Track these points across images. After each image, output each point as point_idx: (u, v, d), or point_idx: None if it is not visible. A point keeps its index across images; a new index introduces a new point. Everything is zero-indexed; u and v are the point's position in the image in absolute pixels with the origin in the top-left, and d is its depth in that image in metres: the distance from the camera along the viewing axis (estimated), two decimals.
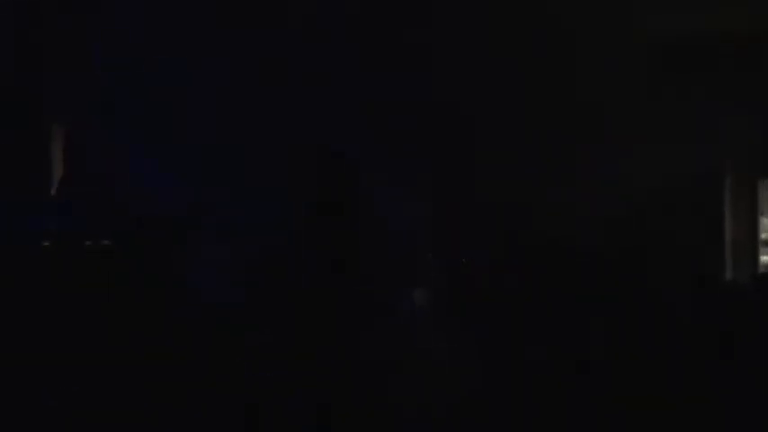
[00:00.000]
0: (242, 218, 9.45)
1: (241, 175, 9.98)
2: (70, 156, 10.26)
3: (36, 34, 9.72)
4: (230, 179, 9.98)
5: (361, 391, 6.25)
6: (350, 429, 5.82)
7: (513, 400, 5.94)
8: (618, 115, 9.70)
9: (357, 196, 7.84)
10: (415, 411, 6.10)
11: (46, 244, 7.91)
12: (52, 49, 9.82)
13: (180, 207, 9.21)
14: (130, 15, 9.78)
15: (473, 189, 9.94)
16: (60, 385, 6.01)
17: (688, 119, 9.61)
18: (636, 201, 9.46)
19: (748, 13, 9.46)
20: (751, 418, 5.35)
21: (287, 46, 9.84)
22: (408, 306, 8.34)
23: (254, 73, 10.00)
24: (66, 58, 9.88)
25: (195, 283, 7.73)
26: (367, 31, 9.71)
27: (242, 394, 6.05)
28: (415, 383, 6.54)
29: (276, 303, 7.28)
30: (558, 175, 9.81)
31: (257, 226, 9.28)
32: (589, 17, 9.50)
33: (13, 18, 9.58)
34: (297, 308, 7.09)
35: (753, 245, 10.24)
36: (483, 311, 7.79)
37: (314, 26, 9.75)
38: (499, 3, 9.50)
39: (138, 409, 5.84)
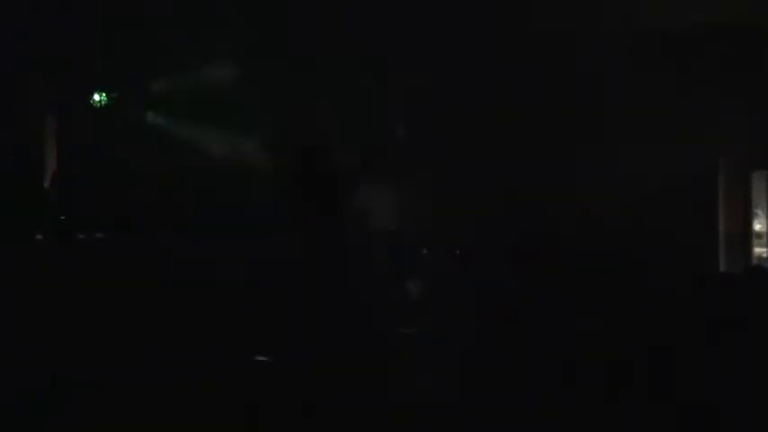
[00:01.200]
0: (233, 213, 9.47)
1: (230, 169, 10.01)
2: (63, 151, 10.27)
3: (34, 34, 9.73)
4: (221, 175, 10.00)
5: (354, 387, 6.25)
6: (344, 428, 5.81)
7: (506, 395, 5.94)
8: (612, 111, 9.71)
9: (339, 189, 7.85)
10: (409, 406, 6.10)
11: (40, 237, 7.92)
12: (49, 49, 9.83)
13: (174, 201, 9.23)
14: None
15: (470, 185, 9.94)
16: (56, 382, 6.00)
17: (682, 113, 9.62)
18: (630, 193, 9.48)
19: (744, 8, 9.47)
20: (748, 414, 5.35)
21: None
22: (402, 299, 8.34)
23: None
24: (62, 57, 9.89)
25: (188, 278, 7.72)
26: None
27: (239, 391, 6.05)
28: (408, 378, 6.54)
29: (267, 299, 7.28)
30: (554, 170, 9.82)
31: (249, 221, 9.30)
32: (584, 14, 9.51)
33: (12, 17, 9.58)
34: (289, 302, 7.09)
35: (746, 237, 10.27)
36: (476, 305, 7.78)
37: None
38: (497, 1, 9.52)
39: (136, 406, 5.84)
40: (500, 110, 9.81)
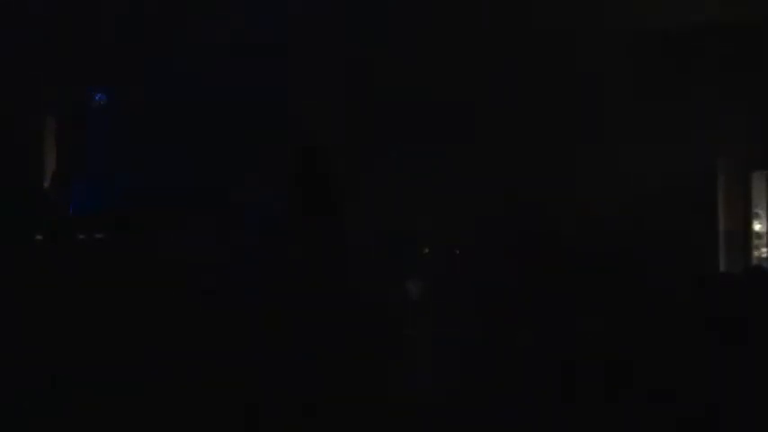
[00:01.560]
0: (231, 211, 9.48)
1: (228, 170, 10.00)
2: (63, 151, 10.26)
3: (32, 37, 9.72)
4: (218, 174, 10.00)
5: (355, 386, 6.25)
6: (344, 426, 5.81)
7: (506, 393, 5.94)
8: (611, 110, 9.71)
9: (337, 189, 7.87)
10: (410, 405, 6.10)
11: (39, 237, 7.92)
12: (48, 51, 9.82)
13: (171, 200, 9.24)
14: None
15: (471, 185, 9.94)
16: (54, 382, 6.00)
17: (682, 113, 9.61)
18: (630, 193, 9.47)
19: (744, 8, 9.46)
20: (748, 414, 5.35)
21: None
22: (403, 298, 8.33)
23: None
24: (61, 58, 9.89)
25: (187, 278, 7.72)
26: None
27: (238, 391, 6.05)
28: (409, 377, 6.54)
29: (266, 297, 7.28)
30: (554, 170, 9.81)
31: (246, 219, 9.31)
32: (584, 14, 9.50)
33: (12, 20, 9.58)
34: (289, 299, 7.09)
35: (746, 237, 10.25)
36: (477, 304, 7.78)
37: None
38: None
39: (134, 405, 5.84)
40: (499, 109, 9.80)
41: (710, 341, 5.92)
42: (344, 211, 8.09)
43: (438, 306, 8.04)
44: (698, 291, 6.87)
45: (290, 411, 5.87)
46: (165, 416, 5.75)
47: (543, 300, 7.38)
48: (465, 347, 6.75)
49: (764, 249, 10.52)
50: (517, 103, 9.75)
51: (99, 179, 10.00)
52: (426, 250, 9.85)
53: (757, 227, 10.44)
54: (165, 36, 9.91)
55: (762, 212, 10.64)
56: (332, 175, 8.00)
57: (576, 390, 5.74)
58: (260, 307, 7.12)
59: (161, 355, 6.34)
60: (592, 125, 9.77)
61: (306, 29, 9.78)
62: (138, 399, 5.87)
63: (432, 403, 6.09)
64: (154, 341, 6.47)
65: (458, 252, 9.80)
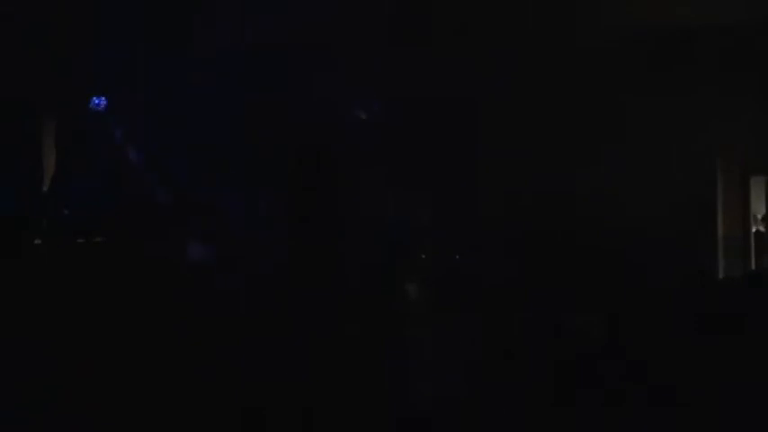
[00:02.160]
0: (230, 212, 9.48)
1: (227, 170, 10.00)
2: (62, 154, 10.27)
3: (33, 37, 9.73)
4: (217, 174, 10.00)
5: (351, 389, 6.25)
6: (343, 428, 5.81)
7: (506, 397, 5.94)
8: (610, 112, 9.71)
9: (338, 190, 7.86)
10: (408, 409, 6.10)
11: (38, 241, 7.93)
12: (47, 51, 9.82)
13: (170, 202, 9.24)
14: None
15: (469, 186, 9.94)
16: (54, 383, 6.00)
17: (681, 115, 9.62)
18: (629, 196, 9.47)
19: (744, 8, 9.47)
20: (746, 416, 5.35)
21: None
22: (402, 303, 8.34)
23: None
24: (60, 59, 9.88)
25: (186, 278, 7.73)
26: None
27: (237, 391, 6.05)
28: (407, 381, 6.55)
29: (266, 298, 7.28)
30: (552, 173, 9.82)
31: (245, 221, 9.32)
32: (583, 14, 9.51)
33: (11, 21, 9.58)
34: (288, 300, 7.10)
35: (745, 241, 10.26)
36: (476, 309, 7.79)
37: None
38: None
39: (133, 407, 5.84)
40: (498, 109, 9.80)
41: (709, 344, 5.93)
42: (344, 212, 8.10)
43: (438, 306, 8.05)
44: (697, 293, 6.89)
45: (288, 413, 5.87)
46: (164, 416, 5.76)
47: (543, 300, 7.39)
48: (464, 348, 6.76)
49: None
50: (517, 102, 9.75)
51: (98, 182, 10.00)
52: (425, 253, 9.86)
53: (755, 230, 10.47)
54: (164, 38, 9.92)
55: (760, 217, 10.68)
56: (332, 176, 8.00)
57: (574, 389, 5.75)
58: (259, 308, 7.12)
59: (158, 357, 6.34)
60: (590, 127, 9.77)
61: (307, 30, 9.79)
62: (136, 399, 5.88)
63: (431, 404, 6.09)
64: (152, 343, 6.47)
65: (458, 257, 9.81)
